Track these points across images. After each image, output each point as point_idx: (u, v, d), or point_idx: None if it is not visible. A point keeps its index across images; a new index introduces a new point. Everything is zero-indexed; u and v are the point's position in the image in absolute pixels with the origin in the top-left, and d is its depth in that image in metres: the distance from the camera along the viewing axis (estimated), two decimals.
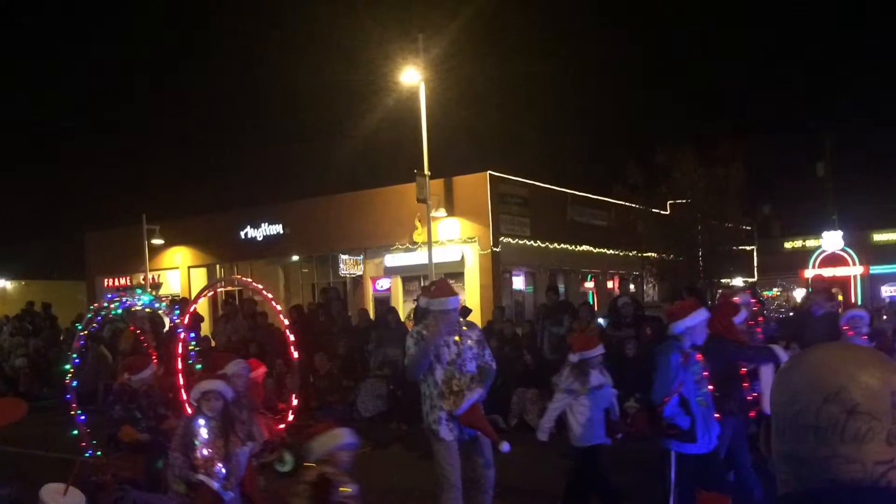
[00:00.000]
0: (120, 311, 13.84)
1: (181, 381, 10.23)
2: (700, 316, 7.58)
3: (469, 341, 8.05)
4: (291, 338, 12.54)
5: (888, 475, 1.66)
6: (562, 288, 30.42)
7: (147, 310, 15.00)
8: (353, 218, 31.35)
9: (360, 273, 32.18)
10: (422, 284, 27.22)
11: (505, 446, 7.80)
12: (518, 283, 31.82)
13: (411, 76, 25.98)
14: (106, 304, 12.71)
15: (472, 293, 28.58)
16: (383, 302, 29.61)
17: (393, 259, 30.97)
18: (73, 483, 8.07)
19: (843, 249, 40.18)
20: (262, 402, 11.35)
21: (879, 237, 44.92)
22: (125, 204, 51.31)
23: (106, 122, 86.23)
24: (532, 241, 30.48)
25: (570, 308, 18.29)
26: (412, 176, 26.28)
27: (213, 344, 20.10)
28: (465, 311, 16.09)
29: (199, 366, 10.85)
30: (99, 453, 10.89)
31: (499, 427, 14.28)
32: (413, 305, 22.20)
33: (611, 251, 33.73)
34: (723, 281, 30.62)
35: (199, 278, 36.80)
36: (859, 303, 32.59)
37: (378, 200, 31.17)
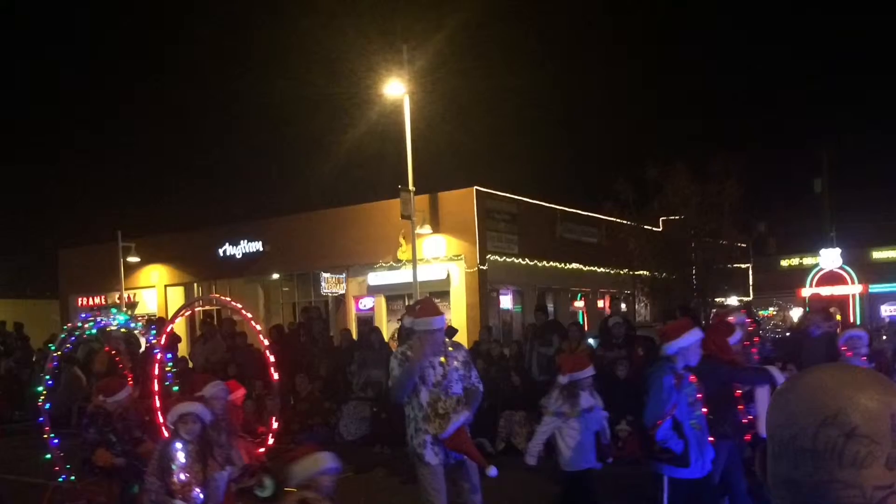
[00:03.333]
0: (94, 331, 13.80)
1: (157, 404, 10.19)
2: (694, 336, 7.60)
3: (455, 362, 8.04)
4: (271, 359, 12.51)
5: (888, 500, 1.66)
6: (551, 307, 30.45)
7: (122, 330, 14.96)
8: (335, 235, 31.39)
9: (343, 292, 32.16)
10: (406, 304, 27.22)
11: (492, 471, 7.77)
12: (505, 302, 31.83)
13: (395, 88, 26.10)
14: (80, 324, 12.66)
15: (458, 312, 28.59)
16: (366, 322, 29.55)
17: (376, 277, 30.96)
18: None
19: (841, 267, 40.32)
20: (242, 425, 11.30)
21: (879, 255, 45.10)
22: (100, 221, 51.02)
23: (79, 137, 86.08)
24: (520, 259, 30.52)
25: (560, 328, 18.27)
26: (396, 191, 26.33)
27: (190, 365, 20.04)
28: (451, 332, 16.07)
29: (176, 388, 10.82)
30: (72, 478, 10.84)
31: (486, 451, 14.26)
32: (397, 325, 22.18)
33: (601, 269, 33.78)
34: (717, 300, 30.68)
35: (177, 297, 36.70)
36: (858, 322, 32.68)
37: (361, 217, 31.20)
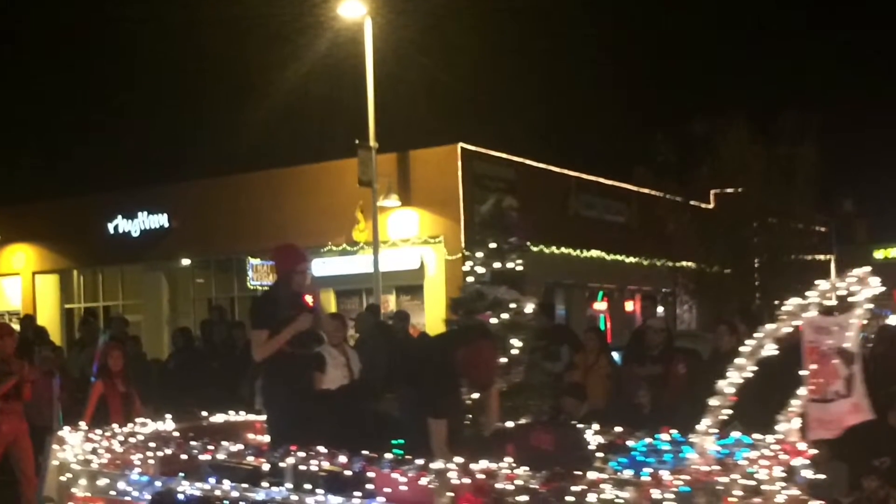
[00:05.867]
0: None
1: None
2: None
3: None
4: None
5: None
6: (562, 310, 30.40)
7: None
8: (267, 207, 31.14)
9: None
10: (364, 302, 27.12)
11: None
12: None
13: (353, 8, 25.81)
14: None
15: (434, 312, 28.25)
16: None
17: (324, 265, 30.69)
18: None
19: None
20: None
21: None
22: None
23: None
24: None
25: (571, 336, 18.06)
26: (353, 149, 26.23)
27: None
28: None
29: None
30: None
31: None
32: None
33: (631, 259, 33.73)
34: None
35: (49, 288, 36.52)
36: None
37: (304, 183, 31.00)
